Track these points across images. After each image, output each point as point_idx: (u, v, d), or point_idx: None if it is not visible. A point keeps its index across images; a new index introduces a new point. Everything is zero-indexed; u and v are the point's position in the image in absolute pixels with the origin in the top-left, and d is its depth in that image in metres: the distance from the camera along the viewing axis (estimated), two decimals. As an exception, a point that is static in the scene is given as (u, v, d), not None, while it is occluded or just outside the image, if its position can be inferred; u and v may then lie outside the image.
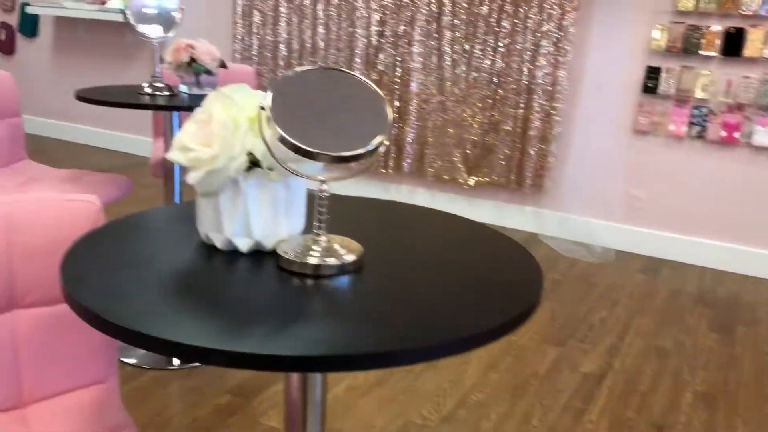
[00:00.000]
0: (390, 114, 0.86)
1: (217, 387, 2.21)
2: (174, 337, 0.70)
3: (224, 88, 0.90)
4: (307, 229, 0.99)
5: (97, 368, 1.12)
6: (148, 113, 5.12)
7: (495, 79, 3.89)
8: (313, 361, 0.68)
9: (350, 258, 0.88)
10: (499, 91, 3.90)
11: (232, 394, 2.18)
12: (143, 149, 5.22)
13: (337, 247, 0.90)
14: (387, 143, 0.84)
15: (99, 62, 5.24)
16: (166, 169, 2.45)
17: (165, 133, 2.46)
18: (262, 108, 0.83)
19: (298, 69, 0.87)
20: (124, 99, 2.20)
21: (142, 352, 2.35)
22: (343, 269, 0.88)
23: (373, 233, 1.05)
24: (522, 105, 3.85)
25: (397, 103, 4.16)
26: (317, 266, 0.87)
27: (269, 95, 0.83)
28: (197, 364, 2.32)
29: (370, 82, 0.88)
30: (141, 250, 0.94)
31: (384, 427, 2.08)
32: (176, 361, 2.30)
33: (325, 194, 0.88)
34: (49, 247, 1.05)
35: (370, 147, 0.82)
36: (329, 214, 1.07)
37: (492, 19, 3.83)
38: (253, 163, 0.88)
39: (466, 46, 3.93)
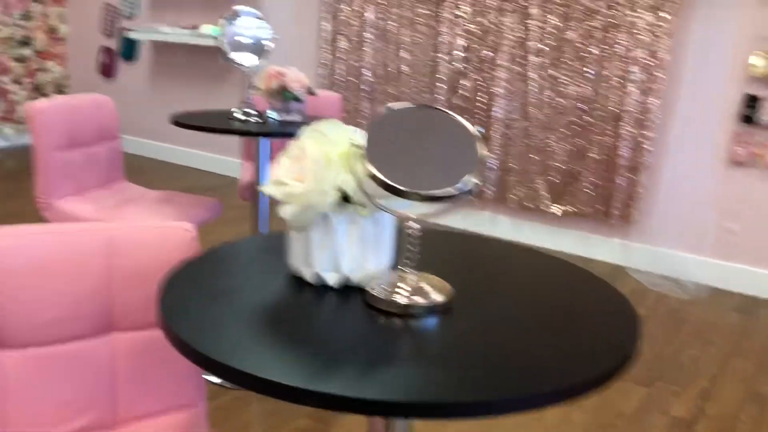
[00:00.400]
0: (483, 153, 0.85)
1: (297, 410, 2.23)
2: (265, 374, 0.70)
3: (317, 124, 0.91)
4: (395, 264, 0.98)
5: (187, 392, 1.15)
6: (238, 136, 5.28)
7: (582, 106, 3.81)
8: (399, 407, 0.67)
9: (439, 298, 0.87)
10: (586, 117, 3.81)
11: (311, 419, 2.19)
12: (231, 170, 5.38)
13: (425, 286, 0.88)
14: (479, 183, 0.83)
15: (193, 84, 5.45)
16: (253, 192, 2.51)
17: (254, 158, 2.52)
18: (355, 145, 0.83)
19: (393, 106, 0.87)
20: (217, 124, 2.27)
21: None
22: (431, 310, 0.86)
23: (461, 270, 1.03)
24: (610, 132, 3.75)
25: (478, 128, 4.13)
26: (405, 306, 0.86)
27: (363, 133, 0.84)
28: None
29: (464, 121, 0.87)
30: (233, 280, 0.96)
31: (461, 461, 2.03)
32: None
33: (415, 232, 0.88)
34: (146, 271, 1.09)
35: (462, 187, 0.81)
36: (430, 249, 1.06)
37: (579, 45, 3.76)
38: (344, 199, 0.89)
39: (552, 72, 3.87)
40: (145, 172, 5.38)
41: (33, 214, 4.06)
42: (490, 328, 0.84)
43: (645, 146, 3.65)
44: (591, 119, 3.79)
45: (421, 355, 0.77)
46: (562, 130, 3.89)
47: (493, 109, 4.06)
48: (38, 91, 6.00)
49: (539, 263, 1.09)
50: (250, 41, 2.31)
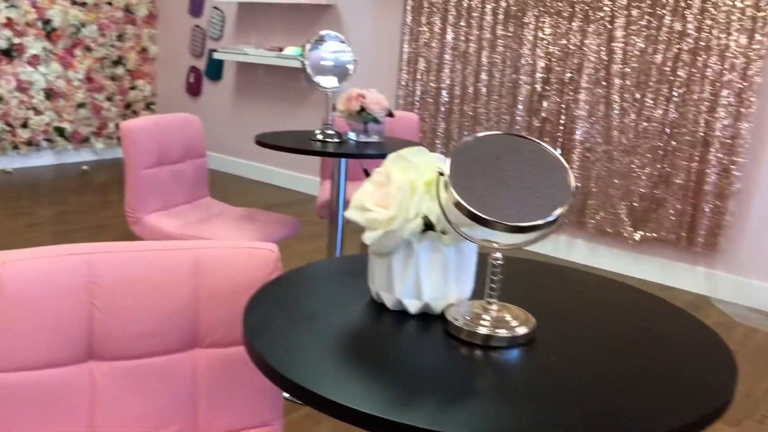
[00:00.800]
0: (573, 184, 0.83)
1: (367, 431, 2.22)
2: (344, 401, 0.70)
3: (403, 151, 0.92)
4: (476, 293, 0.97)
5: (265, 410, 1.17)
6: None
7: (667, 130, 3.69)
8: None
9: (522, 331, 0.85)
10: (672, 142, 3.69)
11: (381, 440, 2.18)
12: (309, 187, 5.48)
13: (508, 317, 0.87)
14: (567, 215, 0.81)
15: (275, 104, 5.60)
16: (331, 211, 2.54)
17: (332, 177, 2.56)
18: (441, 173, 0.83)
19: (479, 134, 0.87)
20: (298, 145, 2.32)
21: None
22: (514, 342, 0.85)
23: (542, 301, 1.01)
24: (697, 158, 3.62)
25: (558, 151, 4.06)
26: (487, 337, 0.84)
27: (448, 160, 0.83)
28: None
29: (552, 149, 0.86)
30: (315, 303, 0.97)
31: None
32: None
33: (499, 262, 0.86)
34: (231, 291, 1.12)
35: (550, 219, 0.80)
36: (511, 279, 1.05)
37: (667, 68, 3.65)
38: (427, 226, 0.88)
39: (637, 95, 3.78)
40: (225, 187, 5.54)
41: (121, 226, 4.24)
42: (575, 363, 0.82)
43: (734, 172, 3.50)
44: (676, 144, 3.67)
45: (501, 390, 0.75)
46: (646, 154, 3.78)
47: (575, 131, 3.99)
48: (128, 108, 6.29)
49: (623, 295, 1.05)
50: (333, 64, 2.35)
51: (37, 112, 5.69)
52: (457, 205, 0.82)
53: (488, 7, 4.24)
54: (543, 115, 4.11)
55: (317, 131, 2.50)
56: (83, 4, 5.79)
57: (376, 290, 0.95)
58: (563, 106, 4.03)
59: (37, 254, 1.02)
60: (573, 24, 3.94)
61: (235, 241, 1.12)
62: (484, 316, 0.87)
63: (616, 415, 0.70)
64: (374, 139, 2.46)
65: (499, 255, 0.86)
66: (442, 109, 4.52)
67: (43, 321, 0.99)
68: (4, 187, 5.10)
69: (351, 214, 0.92)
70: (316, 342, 0.84)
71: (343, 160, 2.50)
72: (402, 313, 0.94)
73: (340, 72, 2.39)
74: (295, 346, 0.83)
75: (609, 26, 3.82)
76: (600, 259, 4.07)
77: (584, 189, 4.02)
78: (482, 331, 0.85)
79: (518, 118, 4.21)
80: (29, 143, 5.70)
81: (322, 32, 2.38)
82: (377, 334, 0.88)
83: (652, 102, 3.73)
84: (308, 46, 2.37)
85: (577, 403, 0.72)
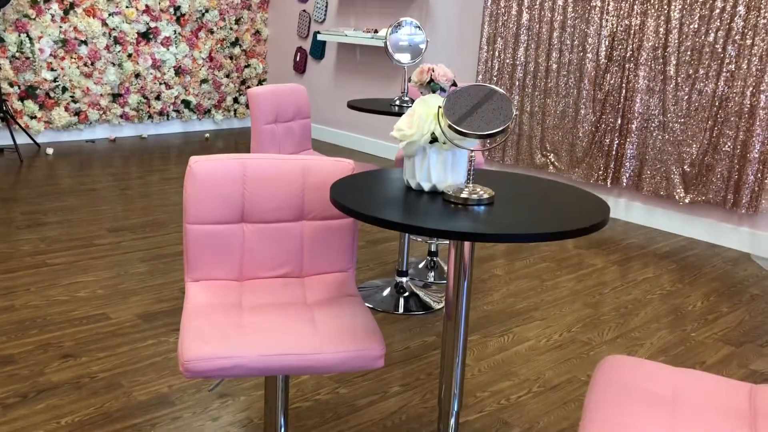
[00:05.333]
0: (514, 110, 1.43)
1: (427, 329, 2.88)
2: (389, 218, 1.36)
3: (425, 97, 1.55)
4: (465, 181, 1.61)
5: (344, 261, 1.84)
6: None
7: (717, 102, 4.09)
8: (456, 234, 1.30)
9: (486, 196, 1.48)
10: (721, 113, 4.09)
11: (437, 336, 2.83)
12: (389, 152, 6.15)
13: (478, 190, 1.49)
14: (510, 128, 1.42)
15: (369, 79, 6.29)
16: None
17: (407, 135, 3.21)
18: (440, 107, 1.46)
19: (464, 86, 1.49)
20: (380, 108, 2.98)
21: (379, 298, 3.10)
22: (480, 201, 1.47)
23: (504, 187, 1.63)
24: (743, 128, 4.00)
25: (619, 121, 4.53)
26: (465, 199, 1.48)
27: (444, 101, 1.46)
28: (415, 312, 3.02)
29: (503, 91, 1.46)
30: (371, 186, 1.62)
31: (551, 378, 2.57)
32: (401, 309, 3.02)
33: (473, 159, 1.48)
34: (324, 185, 1.79)
35: (499, 129, 1.41)
36: (489, 178, 1.66)
37: (718, 46, 4.05)
38: (434, 139, 1.51)
39: (690, 71, 4.19)
40: (323, 152, 6.30)
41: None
42: (514, 211, 1.43)
43: (775, 141, 3.87)
44: (725, 115, 4.07)
45: (471, 219, 1.38)
46: (698, 124, 4.19)
47: (635, 104, 4.44)
48: (243, 84, 7.16)
49: (554, 186, 1.65)
50: (408, 44, 2.99)
51: (168, 86, 6.64)
52: (449, 126, 1.44)
53: (559, -9, 4.73)
54: (606, 89, 4.58)
55: (396, 98, 3.15)
56: (207, -7, 6.68)
57: (406, 178, 1.60)
58: (624, 81, 4.49)
59: (214, 158, 1.73)
60: (635, 6, 4.37)
61: (327, 157, 1.80)
62: (464, 190, 1.50)
63: (534, 227, 1.32)
64: (441, 104, 3.08)
65: (473, 155, 1.48)
66: (517, 83, 5.06)
67: (217, 197, 1.70)
68: (142, 150, 6.08)
69: (394, 133, 1.56)
70: (374, 201, 1.50)
71: (415, 121, 3.14)
72: (420, 191, 1.58)
73: (414, 50, 3.02)
74: (363, 202, 1.49)
75: (666, 8, 4.24)
76: (654, 219, 4.51)
77: (641, 156, 4.47)
78: (463, 195, 1.48)
79: (584, 92, 4.69)
80: (161, 113, 6.67)
81: (402, 19, 3.02)
82: (406, 198, 1.53)
83: (704, 77, 4.13)
84: (389, 30, 3.01)
85: (512, 222, 1.35)
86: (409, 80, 3.15)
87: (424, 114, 1.51)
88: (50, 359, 2.50)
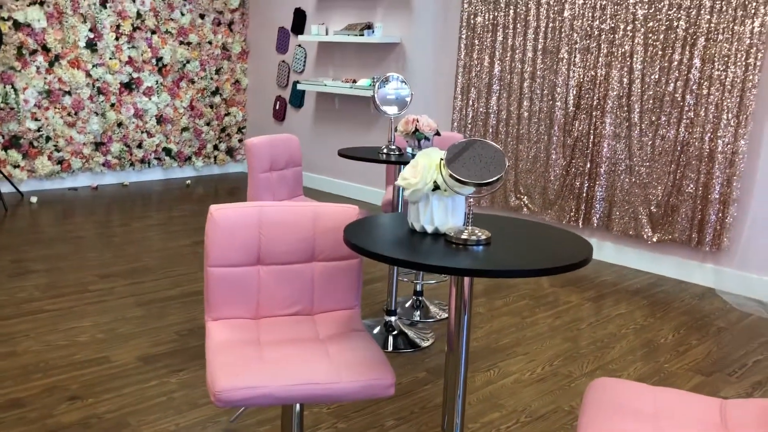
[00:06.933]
0: (506, 163, 1.63)
1: (416, 365, 3.02)
2: (395, 255, 1.52)
3: (425, 150, 1.74)
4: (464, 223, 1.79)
5: (351, 298, 1.99)
6: (382, 169, 6.25)
7: (679, 147, 4.38)
8: (461, 271, 1.47)
9: (483, 237, 1.66)
10: (683, 157, 4.37)
11: (427, 372, 2.97)
12: (372, 197, 6.34)
13: (477, 232, 1.68)
14: (503, 179, 1.61)
15: (347, 127, 6.51)
16: (393, 205, 3.37)
17: (394, 181, 3.40)
18: (442, 159, 1.65)
19: (461, 140, 1.68)
20: (370, 156, 3.17)
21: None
22: (478, 242, 1.66)
23: (499, 229, 1.81)
24: (704, 170, 4.28)
25: (588, 165, 4.80)
26: (465, 240, 1.65)
27: (445, 153, 1.65)
28: (403, 350, 3.16)
29: (497, 145, 1.65)
30: (378, 229, 1.80)
31: (537, 408, 2.73)
32: (390, 347, 3.16)
33: (472, 205, 1.67)
34: (333, 229, 1.96)
35: (494, 178, 1.60)
36: (484, 221, 1.85)
37: (677, 95, 4.35)
38: (436, 187, 1.70)
39: (653, 118, 4.48)
40: (314, 198, 6.47)
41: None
42: (510, 251, 1.62)
43: (734, 182, 4.16)
44: (687, 159, 4.35)
45: (471, 258, 1.56)
46: (662, 168, 4.47)
47: (602, 149, 4.71)
48: (223, 131, 7.34)
49: (543, 227, 1.84)
50: (395, 98, 3.20)
51: (150, 135, 6.78)
52: (450, 175, 1.63)
53: (529, 45, 5.03)
54: (575, 135, 4.85)
55: (383, 147, 3.35)
56: (188, 44, 6.89)
57: (410, 221, 1.78)
58: (592, 127, 4.77)
59: (233, 206, 1.89)
60: (599, 58, 4.68)
61: (335, 204, 1.97)
62: (464, 232, 1.68)
63: (527, 265, 1.50)
64: (425, 152, 3.29)
65: (471, 201, 1.67)
66: (491, 130, 5.32)
67: (236, 241, 1.86)
68: (124, 197, 6.18)
69: (399, 181, 1.74)
70: (383, 242, 1.67)
71: (402, 167, 3.34)
72: (424, 233, 1.76)
73: (400, 103, 3.24)
74: (371, 242, 1.66)
75: (629, 60, 4.55)
76: (625, 257, 4.75)
77: (610, 198, 4.72)
78: (463, 236, 1.66)
79: (554, 138, 4.96)
80: (142, 161, 6.79)
81: (388, 74, 3.24)
82: (411, 240, 1.70)
83: (666, 123, 4.43)
84: (377, 85, 3.23)
85: (508, 261, 1.53)
86: (395, 130, 3.35)
87: (427, 165, 1.69)
88: (57, 402, 2.58)
